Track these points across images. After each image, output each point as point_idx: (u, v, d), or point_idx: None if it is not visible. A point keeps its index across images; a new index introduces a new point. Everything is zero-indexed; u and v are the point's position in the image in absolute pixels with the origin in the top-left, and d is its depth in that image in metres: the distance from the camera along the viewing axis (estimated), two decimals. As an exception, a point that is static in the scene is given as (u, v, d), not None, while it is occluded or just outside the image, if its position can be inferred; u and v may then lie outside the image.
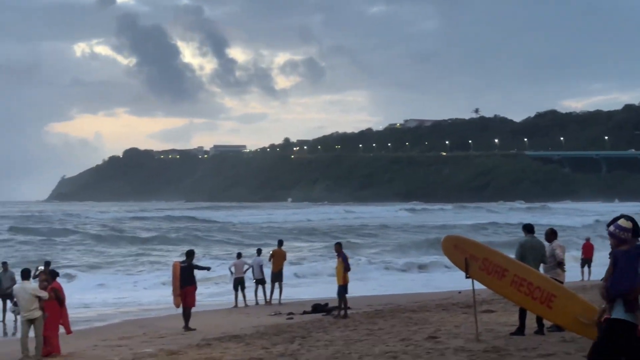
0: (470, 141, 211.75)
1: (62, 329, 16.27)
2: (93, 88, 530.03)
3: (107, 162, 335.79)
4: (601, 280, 8.03)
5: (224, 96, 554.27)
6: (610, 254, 7.89)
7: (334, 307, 21.43)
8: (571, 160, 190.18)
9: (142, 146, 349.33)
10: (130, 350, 15.90)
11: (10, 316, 22.39)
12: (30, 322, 15.56)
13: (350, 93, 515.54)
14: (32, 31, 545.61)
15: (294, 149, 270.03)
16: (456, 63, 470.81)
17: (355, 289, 24.19)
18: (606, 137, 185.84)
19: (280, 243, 27.54)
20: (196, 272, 20.78)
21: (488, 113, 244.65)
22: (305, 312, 22.54)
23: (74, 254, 47.59)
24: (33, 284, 16.02)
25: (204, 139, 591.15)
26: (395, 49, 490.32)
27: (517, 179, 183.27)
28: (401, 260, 40.16)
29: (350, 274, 21.55)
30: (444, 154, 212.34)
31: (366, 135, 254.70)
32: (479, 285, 14.12)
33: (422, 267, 38.61)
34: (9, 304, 22.03)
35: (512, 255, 14.83)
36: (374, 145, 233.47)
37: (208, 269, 22.93)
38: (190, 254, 20.95)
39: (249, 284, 26.22)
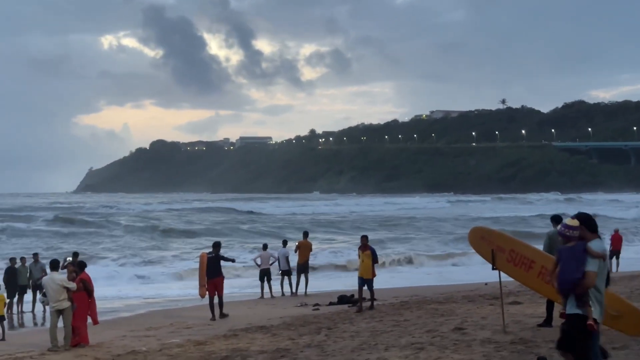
0: (497, 132, 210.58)
1: (89, 319, 16.41)
2: (120, 80, 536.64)
3: (134, 154, 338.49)
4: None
5: (249, 88, 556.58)
6: (556, 250, 8.35)
7: (357, 300, 20.98)
8: (599, 151, 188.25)
9: (168, 138, 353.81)
10: (157, 340, 16.01)
11: (39, 307, 22.71)
12: (59, 312, 15.72)
13: (376, 84, 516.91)
14: (60, 24, 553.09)
15: (320, 140, 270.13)
16: (483, 53, 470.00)
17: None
18: (635, 128, 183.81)
19: (306, 234, 27.57)
20: (223, 263, 20.99)
21: (515, 104, 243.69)
22: (331, 303, 22.55)
23: (116, 245, 47.74)
24: (61, 275, 16.16)
25: (230, 131, 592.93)
26: (422, 39, 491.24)
27: (544, 170, 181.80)
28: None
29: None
30: (474, 144, 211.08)
31: (392, 126, 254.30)
32: (505, 277, 14.04)
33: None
34: (38, 294, 22.32)
35: (540, 247, 14.73)
36: (399, 136, 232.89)
37: (233, 260, 23.12)
38: (217, 245, 21.22)
39: (275, 275, 26.29)
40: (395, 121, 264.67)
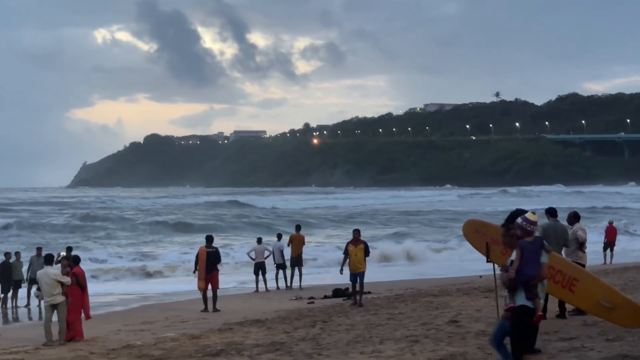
0: (491, 125, 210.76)
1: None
2: (114, 74, 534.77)
3: (128, 148, 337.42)
4: (500, 270, 8.61)
5: (244, 81, 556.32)
6: (517, 244, 8.43)
7: (352, 293, 20.93)
8: (593, 143, 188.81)
9: (162, 132, 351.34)
10: (152, 334, 16.01)
11: (34, 301, 22.70)
12: (54, 307, 15.70)
13: (371, 77, 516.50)
14: (53, 18, 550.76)
15: (314, 134, 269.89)
16: (477, 46, 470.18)
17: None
18: (628, 120, 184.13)
19: (298, 228, 27.51)
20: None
21: (509, 97, 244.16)
22: (326, 297, 22.57)
23: (126, 240, 47.61)
24: (56, 270, 16.13)
25: (224, 125, 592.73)
26: (416, 32, 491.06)
27: (538, 163, 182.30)
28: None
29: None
30: (469, 137, 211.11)
31: (386, 119, 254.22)
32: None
33: None
34: (33, 288, 22.29)
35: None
36: (394, 129, 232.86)
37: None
38: (211, 239, 21.32)
39: (270, 268, 26.29)
40: (389, 114, 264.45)
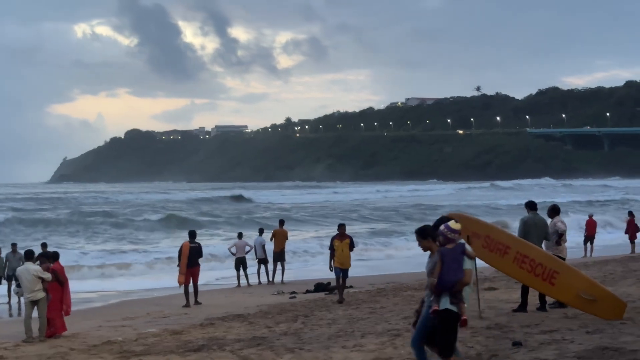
0: (472, 119, 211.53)
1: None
2: (94, 69, 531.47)
3: (109, 143, 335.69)
4: (428, 275, 8.75)
5: (225, 76, 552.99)
6: (437, 251, 8.70)
7: (334, 288, 20.91)
8: (573, 137, 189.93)
9: (143, 127, 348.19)
10: (134, 330, 15.95)
11: (14, 298, 22.50)
12: (34, 303, 15.60)
13: (352, 72, 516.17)
14: (33, 12, 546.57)
15: (296, 128, 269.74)
16: (458, 41, 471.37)
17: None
18: (608, 114, 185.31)
19: (282, 223, 27.50)
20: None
21: (490, 91, 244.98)
22: (307, 291, 22.60)
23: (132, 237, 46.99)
24: (36, 266, 16.03)
25: (206, 120, 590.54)
26: (398, 27, 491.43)
27: (519, 156, 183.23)
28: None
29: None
30: (450, 131, 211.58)
31: (367, 114, 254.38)
32: (481, 263, 14.10)
33: None
34: (13, 284, 22.07)
35: (515, 233, 14.81)
36: (375, 124, 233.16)
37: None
38: (194, 234, 21.36)
39: (251, 263, 26.27)
40: (371, 109, 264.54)
